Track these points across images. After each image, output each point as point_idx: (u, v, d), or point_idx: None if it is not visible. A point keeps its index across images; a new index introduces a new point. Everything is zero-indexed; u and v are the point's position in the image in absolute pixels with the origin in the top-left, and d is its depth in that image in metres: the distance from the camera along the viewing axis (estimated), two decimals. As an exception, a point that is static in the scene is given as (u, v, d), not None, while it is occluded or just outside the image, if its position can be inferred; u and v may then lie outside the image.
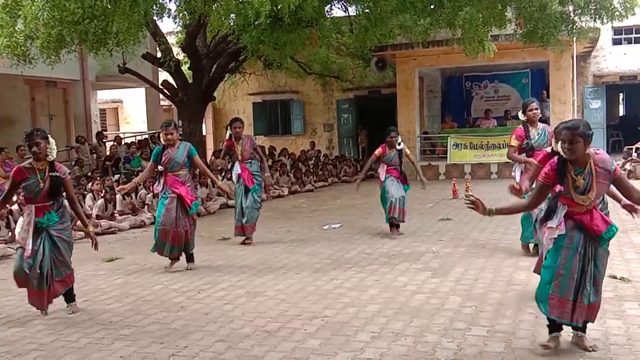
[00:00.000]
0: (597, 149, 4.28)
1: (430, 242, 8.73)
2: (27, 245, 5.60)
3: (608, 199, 4.70)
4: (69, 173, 5.91)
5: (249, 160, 9.19)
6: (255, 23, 11.86)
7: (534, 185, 6.28)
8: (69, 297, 5.95)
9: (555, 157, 4.28)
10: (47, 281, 5.68)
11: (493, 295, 5.88)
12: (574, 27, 13.91)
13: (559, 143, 4.20)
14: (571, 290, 4.20)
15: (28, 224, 5.64)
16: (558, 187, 4.27)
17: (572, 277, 4.20)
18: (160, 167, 7.51)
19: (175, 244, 7.47)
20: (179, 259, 7.59)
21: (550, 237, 4.32)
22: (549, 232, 4.33)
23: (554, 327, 4.40)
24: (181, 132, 17.49)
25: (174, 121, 7.90)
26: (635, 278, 6.23)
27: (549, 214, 4.34)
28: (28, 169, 5.65)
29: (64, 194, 5.84)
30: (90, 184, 12.11)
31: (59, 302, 5.97)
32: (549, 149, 6.00)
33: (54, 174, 5.64)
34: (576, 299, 4.21)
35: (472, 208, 4.41)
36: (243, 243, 9.16)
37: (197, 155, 7.69)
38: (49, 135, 5.73)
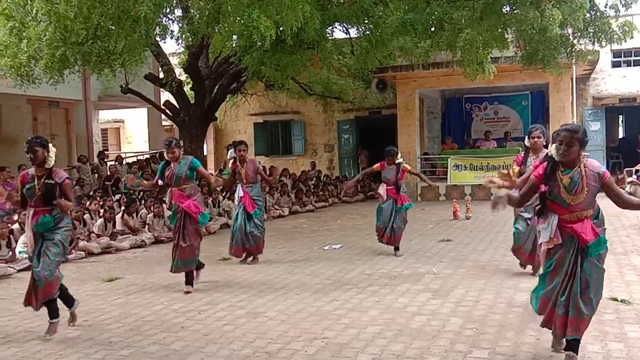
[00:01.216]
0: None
1: (430, 263, 8.72)
2: (29, 246, 5.85)
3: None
4: (67, 177, 5.95)
5: (251, 185, 9.25)
6: (258, 45, 11.98)
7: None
8: (51, 311, 5.82)
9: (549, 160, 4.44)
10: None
11: (494, 317, 5.86)
12: (573, 50, 14.03)
13: (555, 144, 4.33)
14: (557, 303, 4.36)
15: (28, 227, 5.85)
16: (543, 187, 4.39)
17: (559, 291, 4.33)
18: (160, 182, 7.79)
19: (180, 258, 7.49)
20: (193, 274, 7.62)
21: (546, 249, 4.43)
22: (544, 245, 4.41)
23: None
24: (182, 152, 17.62)
25: (176, 139, 8.02)
26: (636, 300, 6.22)
27: (541, 210, 4.46)
28: (30, 175, 5.87)
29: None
30: (89, 203, 12.12)
31: (59, 323, 5.95)
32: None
33: (48, 181, 5.75)
34: (564, 312, 4.32)
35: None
36: (243, 261, 9.19)
37: (200, 166, 7.77)
38: (50, 144, 5.89)
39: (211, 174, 9.79)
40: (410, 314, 6.05)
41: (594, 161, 4.43)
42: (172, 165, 7.58)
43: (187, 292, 7.32)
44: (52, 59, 10.90)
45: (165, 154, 7.82)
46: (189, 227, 7.50)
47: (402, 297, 6.78)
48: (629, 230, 10.62)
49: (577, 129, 4.31)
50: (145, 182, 9.07)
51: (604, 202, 4.57)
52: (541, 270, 4.69)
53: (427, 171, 20.24)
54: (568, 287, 4.31)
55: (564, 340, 4.47)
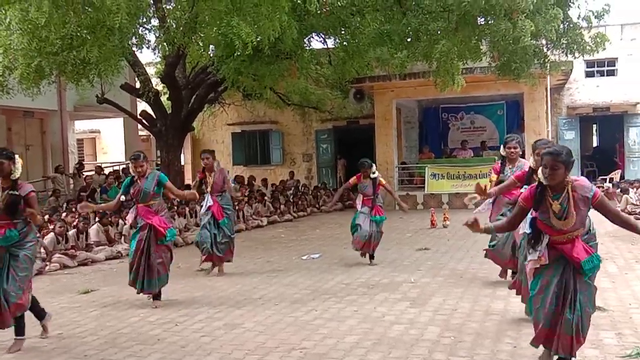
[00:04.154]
0: (578, 177, 4.34)
1: (408, 271, 8.75)
2: None
3: (598, 230, 4.68)
4: (32, 191, 5.79)
5: (220, 194, 9.16)
6: (235, 55, 11.97)
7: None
8: (18, 327, 5.69)
9: (535, 183, 4.32)
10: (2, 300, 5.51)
11: (471, 325, 5.89)
12: (547, 60, 14.24)
13: (540, 168, 4.23)
14: (549, 320, 4.22)
15: None
16: (534, 214, 4.29)
17: (551, 308, 4.22)
18: (122, 198, 7.44)
19: (143, 277, 7.18)
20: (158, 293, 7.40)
21: (532, 268, 4.36)
22: (532, 263, 4.35)
23: None
24: (159, 162, 17.50)
25: (143, 153, 7.74)
26: (611, 307, 6.29)
27: (535, 238, 4.34)
28: None
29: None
30: (65, 214, 11.96)
31: (34, 335, 5.86)
32: (526, 168, 6.18)
33: (12, 192, 5.60)
34: (556, 328, 4.21)
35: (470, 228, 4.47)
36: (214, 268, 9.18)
37: (168, 181, 7.50)
38: (16, 156, 5.75)
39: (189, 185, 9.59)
40: (388, 323, 6.05)
41: (584, 182, 4.22)
42: (138, 181, 7.30)
43: (156, 307, 7.17)
44: (27, 69, 10.79)
45: (131, 169, 7.52)
46: (157, 244, 7.20)
47: (380, 306, 6.78)
48: (603, 238, 10.73)
49: (560, 151, 4.14)
50: (104, 205, 8.62)
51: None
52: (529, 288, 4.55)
53: (404, 180, 20.40)
54: (567, 306, 4.20)
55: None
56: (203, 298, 7.60)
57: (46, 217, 11.54)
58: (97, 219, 12.08)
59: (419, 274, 8.57)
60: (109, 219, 12.07)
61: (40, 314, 5.95)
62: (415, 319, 6.17)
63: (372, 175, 9.36)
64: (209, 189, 9.09)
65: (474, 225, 4.43)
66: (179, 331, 6.09)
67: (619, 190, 16.19)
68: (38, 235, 5.81)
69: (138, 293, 7.34)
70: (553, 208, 4.16)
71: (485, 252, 7.80)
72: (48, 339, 5.94)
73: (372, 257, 9.52)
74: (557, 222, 4.18)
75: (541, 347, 4.42)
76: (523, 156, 7.67)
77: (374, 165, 9.59)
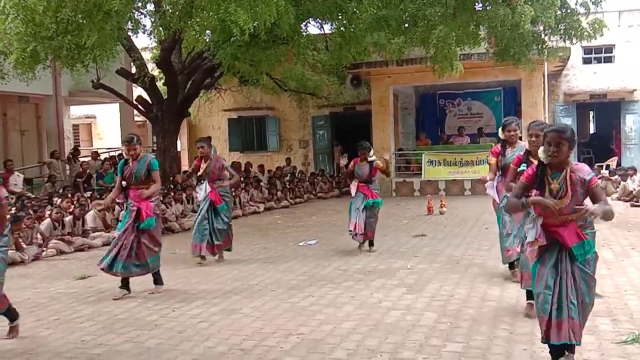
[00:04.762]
0: (577, 162, 4.32)
1: (405, 258, 8.76)
2: None
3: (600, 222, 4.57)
4: (6, 197, 5.59)
5: (217, 181, 9.13)
6: (232, 40, 11.88)
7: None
8: (9, 314, 5.61)
9: (536, 163, 4.30)
10: None
11: (468, 311, 5.91)
12: (545, 46, 14.20)
13: (542, 147, 4.20)
14: (553, 309, 4.12)
15: None
16: (534, 192, 4.25)
17: (550, 296, 4.14)
18: (124, 183, 7.38)
19: (126, 261, 7.06)
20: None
21: (532, 251, 4.32)
22: (530, 246, 4.34)
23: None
24: (155, 148, 17.44)
25: (137, 135, 7.62)
26: (607, 293, 6.31)
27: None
28: None
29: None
30: (60, 200, 11.92)
31: (30, 321, 5.86)
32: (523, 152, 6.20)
33: None
34: (560, 316, 4.11)
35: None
36: (201, 262, 8.98)
37: (156, 170, 7.35)
38: None
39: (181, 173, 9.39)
40: (385, 309, 6.07)
41: (583, 166, 4.23)
42: (131, 163, 7.24)
43: (152, 293, 7.13)
44: (22, 54, 10.69)
45: (124, 152, 7.45)
46: (140, 230, 7.07)
47: (377, 292, 6.80)
48: (600, 225, 10.73)
49: (565, 129, 4.15)
50: (111, 195, 8.44)
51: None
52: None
53: (401, 167, 20.40)
54: (560, 292, 4.14)
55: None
56: (200, 284, 7.61)
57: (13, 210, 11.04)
58: (93, 205, 12.06)
59: (415, 260, 8.59)
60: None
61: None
62: (412, 305, 6.19)
63: (369, 159, 9.34)
64: (207, 177, 9.06)
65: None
66: (176, 317, 6.10)
67: (616, 177, 16.22)
68: (7, 237, 5.58)
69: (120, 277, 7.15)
70: (551, 187, 4.16)
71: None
72: (45, 324, 5.94)
73: (371, 243, 9.51)
74: (551, 200, 4.14)
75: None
76: (521, 139, 7.63)
77: (372, 149, 9.57)
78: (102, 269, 7.16)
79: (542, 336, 4.21)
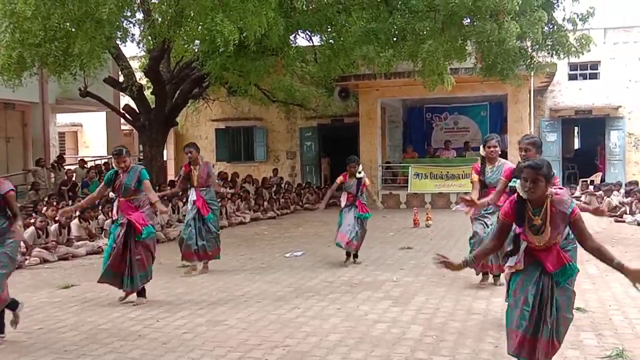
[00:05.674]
0: (559, 188, 4.27)
1: (391, 270, 8.76)
2: None
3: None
4: (11, 190, 5.63)
5: (204, 188, 9.07)
6: (220, 50, 11.90)
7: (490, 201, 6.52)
8: None
9: (515, 195, 4.19)
10: None
11: (453, 324, 5.92)
12: (532, 62, 14.33)
13: (519, 181, 4.12)
14: (529, 326, 4.07)
15: None
16: (518, 230, 4.15)
17: (529, 313, 4.08)
18: (112, 194, 7.31)
19: (122, 274, 7.08)
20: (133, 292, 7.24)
21: (508, 273, 4.31)
22: (508, 269, 4.33)
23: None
24: (142, 157, 17.35)
25: (125, 147, 7.58)
26: (592, 308, 6.35)
27: (514, 250, 4.27)
28: None
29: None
30: (45, 209, 11.81)
31: (12, 331, 5.78)
32: (507, 167, 6.28)
33: None
34: (535, 334, 4.06)
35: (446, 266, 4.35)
36: (191, 271, 8.95)
37: (147, 179, 7.33)
38: None
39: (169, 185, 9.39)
40: (371, 322, 6.06)
41: (562, 195, 4.10)
42: (121, 175, 7.21)
43: (136, 304, 7.07)
44: (9, 60, 10.63)
45: (114, 164, 7.41)
46: (135, 241, 7.07)
47: (363, 304, 6.79)
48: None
49: (540, 165, 4.00)
50: (82, 201, 8.37)
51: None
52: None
53: (388, 179, 20.45)
54: (539, 312, 4.09)
55: None
56: (185, 295, 7.55)
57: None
58: (77, 213, 11.94)
59: (401, 272, 8.59)
60: (90, 213, 11.95)
61: (12, 304, 5.79)
62: (398, 318, 6.19)
63: (357, 175, 9.36)
64: (195, 184, 9.02)
65: (449, 266, 4.36)
66: (160, 327, 6.04)
67: (600, 192, 16.36)
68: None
69: (124, 292, 7.21)
70: (533, 222, 4.07)
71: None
72: (28, 334, 5.87)
73: (355, 256, 9.51)
74: (532, 237, 4.10)
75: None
76: (502, 156, 7.68)
77: (360, 164, 9.60)
78: (111, 284, 7.24)
79: (511, 348, 4.14)
